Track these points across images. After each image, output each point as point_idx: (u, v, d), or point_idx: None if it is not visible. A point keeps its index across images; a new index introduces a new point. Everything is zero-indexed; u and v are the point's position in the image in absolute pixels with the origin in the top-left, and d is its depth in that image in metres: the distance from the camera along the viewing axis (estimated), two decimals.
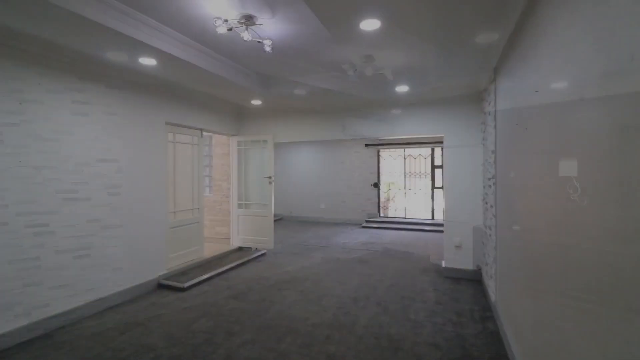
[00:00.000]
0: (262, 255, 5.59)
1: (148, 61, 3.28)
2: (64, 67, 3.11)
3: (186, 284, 4.02)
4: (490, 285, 3.52)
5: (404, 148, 8.63)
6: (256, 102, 5.20)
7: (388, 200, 9.22)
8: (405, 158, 8.87)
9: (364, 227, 8.32)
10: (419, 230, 7.77)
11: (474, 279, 4.34)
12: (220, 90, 4.49)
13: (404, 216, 8.84)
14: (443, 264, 4.60)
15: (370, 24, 2.47)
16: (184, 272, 4.47)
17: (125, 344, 2.78)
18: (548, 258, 1.67)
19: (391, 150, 8.91)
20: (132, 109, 3.81)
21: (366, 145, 8.84)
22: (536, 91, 1.89)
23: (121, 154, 3.68)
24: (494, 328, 3.02)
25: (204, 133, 5.23)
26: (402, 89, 4.31)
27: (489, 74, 3.46)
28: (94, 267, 3.38)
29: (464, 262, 4.43)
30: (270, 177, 5.53)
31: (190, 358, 2.56)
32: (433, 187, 8.47)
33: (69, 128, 3.16)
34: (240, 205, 5.84)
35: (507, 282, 2.74)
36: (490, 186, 3.60)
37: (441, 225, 7.49)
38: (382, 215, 9.00)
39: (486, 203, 3.93)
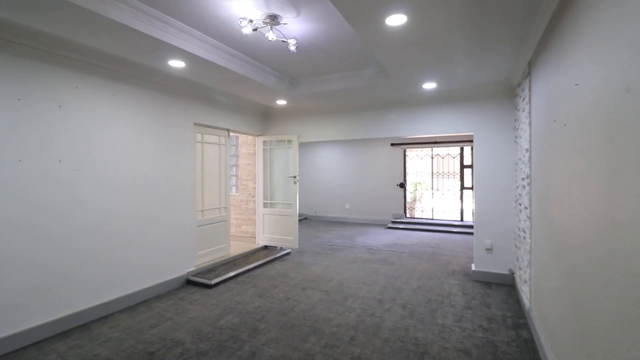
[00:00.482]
0: (287, 254, 5.62)
1: (177, 63, 3.38)
2: (99, 71, 3.26)
3: (213, 281, 4.10)
4: (524, 291, 3.35)
5: (432, 147, 8.41)
6: (281, 102, 5.24)
7: (414, 200, 9.02)
8: (432, 157, 8.65)
9: (389, 228, 8.19)
10: (447, 232, 7.54)
11: (506, 284, 4.15)
12: (246, 90, 4.55)
13: (431, 217, 8.62)
14: (473, 267, 4.43)
15: (396, 20, 2.41)
16: (211, 270, 4.57)
17: (155, 337, 2.87)
18: (590, 264, 1.55)
19: (418, 149, 8.71)
20: (163, 110, 3.94)
21: (392, 144, 8.69)
22: (576, 84, 1.76)
23: (152, 154, 3.81)
24: (528, 336, 2.87)
25: (231, 133, 5.33)
26: (429, 86, 4.19)
27: (523, 68, 3.29)
28: (126, 262, 3.52)
29: (495, 266, 4.24)
30: (295, 177, 5.55)
31: (216, 354, 2.61)
32: (462, 188, 8.20)
33: (104, 129, 3.31)
34: (265, 205, 5.90)
35: (542, 288, 2.59)
36: (524, 186, 3.43)
37: (471, 227, 7.24)
38: (408, 216, 8.82)
39: (519, 204, 3.74)
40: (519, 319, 3.20)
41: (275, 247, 5.84)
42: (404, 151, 8.76)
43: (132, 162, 3.58)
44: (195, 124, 4.45)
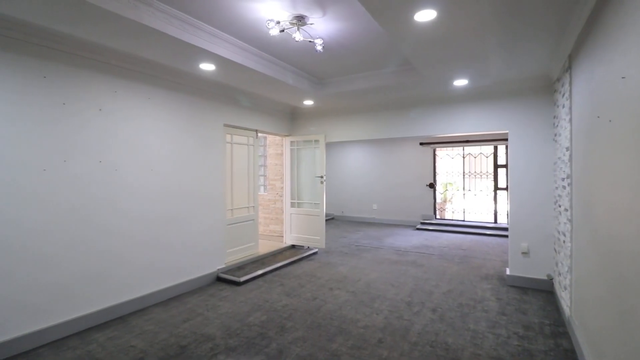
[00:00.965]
0: (314, 253, 5.63)
1: (207, 66, 3.48)
2: (135, 75, 3.42)
3: (242, 279, 4.19)
4: (564, 298, 3.15)
5: (463, 146, 8.13)
6: (308, 103, 5.26)
7: (445, 201, 8.77)
8: (464, 157, 8.37)
9: (418, 229, 8.01)
10: (480, 234, 7.26)
11: (543, 290, 3.93)
12: (274, 91, 4.61)
13: (462, 219, 8.34)
14: (507, 271, 4.24)
15: (425, 15, 2.34)
16: (240, 267, 4.67)
17: (187, 331, 2.97)
18: None
19: (448, 148, 8.46)
20: (194, 112, 4.07)
21: (421, 143, 8.49)
22: (623, 77, 1.63)
23: (185, 154, 3.95)
24: (568, 346, 2.70)
25: (259, 134, 5.42)
26: (460, 82, 4.05)
27: (562, 61, 3.11)
28: (160, 258, 3.66)
29: (532, 271, 4.03)
30: (321, 177, 5.56)
31: (245, 350, 2.65)
32: (496, 188, 7.87)
33: (139, 131, 3.47)
34: (292, 204, 5.95)
35: (586, 295, 2.43)
36: (564, 187, 3.23)
37: (505, 229, 6.94)
38: (438, 217, 8.58)
39: (559, 206, 3.53)
40: (558, 327, 3.02)
41: (302, 246, 5.88)
42: (434, 150, 8.54)
43: (165, 163, 3.73)
44: (225, 125, 4.56)
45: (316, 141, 5.65)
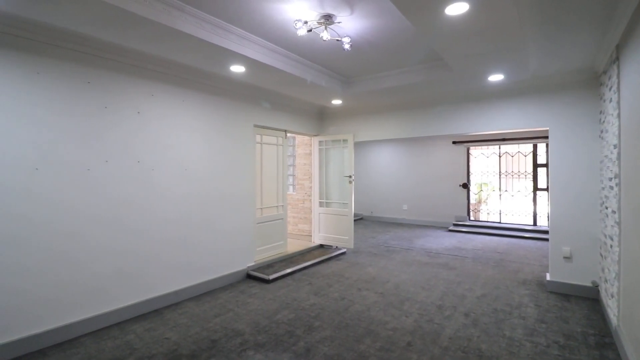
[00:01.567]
0: (342, 253, 5.61)
1: (238, 68, 3.56)
2: (171, 79, 3.57)
3: (271, 277, 4.25)
4: (611, 306, 2.93)
5: (499, 144, 7.78)
6: (336, 102, 5.25)
7: (479, 202, 8.43)
8: (500, 156, 8.00)
9: (451, 230, 7.76)
10: (518, 237, 6.92)
11: (588, 297, 3.67)
12: (302, 91, 4.64)
13: (498, 221, 7.98)
14: (547, 276, 4.00)
15: (457, 8, 2.26)
16: (269, 265, 4.74)
17: (218, 326, 3.05)
18: None
19: (483, 147, 8.13)
20: (225, 113, 4.19)
21: (454, 142, 8.22)
22: None
23: (217, 154, 4.07)
24: (615, 358, 2.50)
25: (288, 134, 5.48)
26: (495, 77, 3.88)
27: (609, 52, 2.88)
28: (194, 254, 3.80)
29: (575, 277, 3.78)
30: (350, 176, 5.53)
31: (273, 347, 2.69)
32: (535, 189, 7.46)
33: (174, 132, 3.62)
34: (321, 204, 5.96)
35: (635, 304, 2.24)
36: (611, 187, 3.00)
37: (545, 232, 6.57)
38: (472, 218, 8.27)
39: (606, 208, 3.28)
40: (603, 337, 2.81)
41: (331, 246, 5.87)
42: (468, 149, 8.24)
43: (198, 163, 3.86)
44: (255, 126, 4.65)
45: (345, 140, 5.63)
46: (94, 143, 2.96)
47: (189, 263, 3.75)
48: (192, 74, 3.70)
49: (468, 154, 8.26)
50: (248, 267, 4.47)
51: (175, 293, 3.59)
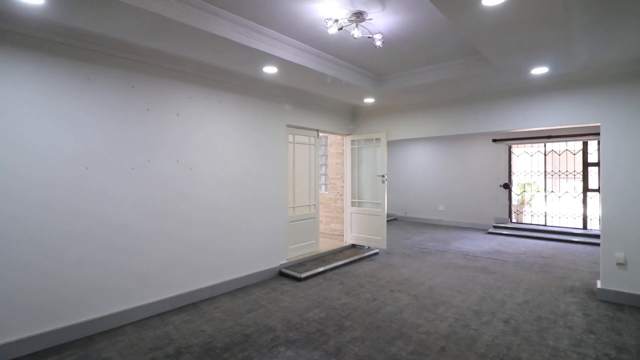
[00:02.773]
0: (375, 254, 5.54)
1: (270, 69, 3.63)
2: (207, 82, 3.71)
3: (303, 275, 4.29)
4: None
5: (544, 142, 7.31)
6: (369, 100, 5.19)
7: (522, 203, 7.97)
8: (546, 154, 7.52)
9: (490, 233, 7.41)
10: (565, 242, 6.46)
11: None
12: (334, 90, 4.64)
13: (543, 223, 7.50)
14: (598, 284, 3.70)
15: None
16: (301, 264, 4.78)
17: (250, 321, 3.13)
18: None
19: (527, 145, 7.68)
20: (259, 114, 4.29)
21: (494, 140, 7.84)
22: None
23: (251, 154, 4.17)
24: None
25: (320, 133, 5.50)
26: (539, 71, 3.64)
27: None
28: (229, 251, 3.93)
29: (630, 285, 3.46)
30: (383, 176, 5.44)
31: (304, 344, 2.71)
32: (586, 190, 6.93)
33: (211, 133, 3.76)
34: (353, 204, 5.93)
35: None
36: None
37: (597, 236, 6.09)
38: (514, 220, 7.84)
39: None
40: None
41: (363, 246, 5.82)
42: (509, 147, 7.82)
43: (234, 162, 3.98)
44: (288, 126, 4.72)
45: (377, 139, 5.55)
46: (137, 144, 3.15)
47: (225, 260, 3.88)
48: (227, 76, 3.82)
49: (510, 152, 7.84)
50: (280, 264, 4.54)
51: (212, 287, 3.73)
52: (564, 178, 7.39)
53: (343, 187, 6.29)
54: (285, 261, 4.63)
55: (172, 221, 3.41)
